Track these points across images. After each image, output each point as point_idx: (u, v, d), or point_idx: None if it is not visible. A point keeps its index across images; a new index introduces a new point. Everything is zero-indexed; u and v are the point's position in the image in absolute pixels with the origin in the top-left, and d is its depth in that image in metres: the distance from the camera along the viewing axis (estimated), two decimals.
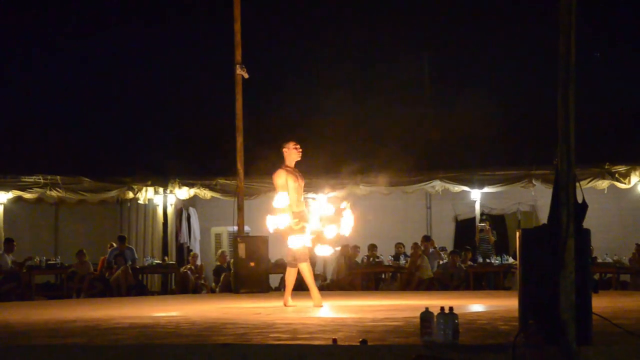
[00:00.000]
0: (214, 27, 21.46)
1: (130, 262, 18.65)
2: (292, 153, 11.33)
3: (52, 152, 20.10)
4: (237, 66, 17.39)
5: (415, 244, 18.86)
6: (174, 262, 19.78)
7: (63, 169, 19.41)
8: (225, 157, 18.24)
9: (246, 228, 17.99)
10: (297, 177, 11.30)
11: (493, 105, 20.44)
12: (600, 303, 8.38)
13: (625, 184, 18.48)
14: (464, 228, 21.40)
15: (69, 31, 24.16)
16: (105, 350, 6.69)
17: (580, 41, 6.36)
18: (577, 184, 6.39)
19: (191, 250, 20.66)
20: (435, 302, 9.19)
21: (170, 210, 20.31)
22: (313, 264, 15.09)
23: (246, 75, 17.37)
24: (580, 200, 6.44)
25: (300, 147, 11.38)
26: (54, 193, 19.27)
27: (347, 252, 18.75)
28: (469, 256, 18.91)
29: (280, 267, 18.85)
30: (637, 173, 18.35)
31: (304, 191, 11.75)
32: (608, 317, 6.84)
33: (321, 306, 11.24)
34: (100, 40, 23.82)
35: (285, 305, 11.42)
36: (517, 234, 6.73)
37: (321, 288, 18.54)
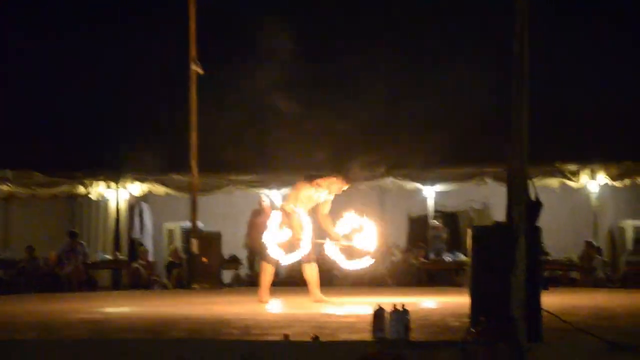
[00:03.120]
0: (169, 22, 21.31)
1: (81, 258, 18.48)
2: (335, 187, 11.20)
3: (2, 146, 19.84)
4: (192, 62, 17.32)
5: None
6: (125, 258, 19.64)
7: (13, 163, 19.18)
8: (179, 152, 18.14)
9: (199, 224, 17.93)
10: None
11: (445, 103, 20.54)
12: (550, 300, 8.46)
13: (575, 182, 18.69)
14: (417, 225, 21.49)
15: (20, 22, 23.86)
16: (56, 345, 6.63)
17: (535, 40, 6.43)
18: (531, 182, 6.45)
19: (142, 245, 20.53)
20: (387, 298, 9.23)
21: (122, 206, 20.17)
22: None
23: (201, 71, 17.31)
24: (534, 199, 6.50)
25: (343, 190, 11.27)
26: (4, 187, 19.05)
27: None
28: (421, 253, 19.01)
29: (233, 262, 18.85)
30: (588, 172, 18.58)
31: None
32: (558, 314, 6.91)
33: (324, 301, 11.20)
34: (52, 32, 23.54)
35: (321, 301, 11.29)
36: (469, 231, 6.78)
37: (275, 284, 18.54)
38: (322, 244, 11.26)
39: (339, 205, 11.57)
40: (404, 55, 23.03)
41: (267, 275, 11.52)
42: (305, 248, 10.98)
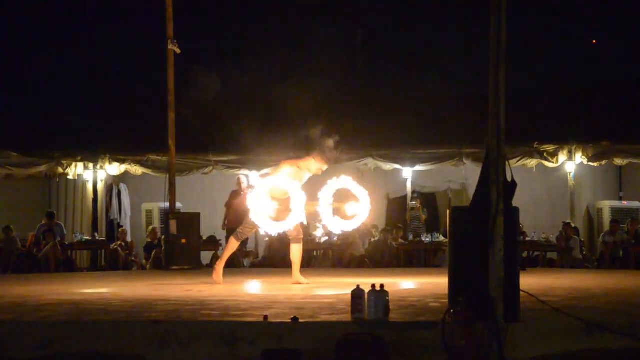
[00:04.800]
0: (146, 1, 21.16)
1: (59, 238, 18.40)
2: (314, 167, 11.19)
3: None
4: (169, 41, 17.21)
5: None
6: (104, 239, 19.57)
7: None
8: (157, 133, 18.06)
9: (178, 204, 17.88)
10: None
11: (424, 84, 20.55)
12: (528, 281, 8.52)
13: (553, 163, 18.77)
14: (396, 206, 21.54)
15: None
16: (34, 326, 6.61)
17: (514, 22, 6.42)
18: (507, 163, 6.47)
19: (121, 226, 20.46)
20: (366, 279, 9.26)
21: (100, 186, 20.06)
22: (245, 241, 15.07)
23: (178, 51, 17.21)
24: (509, 179, 6.53)
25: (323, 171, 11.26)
26: None
27: None
28: (400, 234, 19.05)
29: (211, 243, 18.82)
30: (565, 152, 18.66)
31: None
32: (535, 295, 6.95)
33: (303, 283, 11.23)
34: (30, 12, 23.37)
35: (299, 282, 11.29)
36: (448, 212, 6.80)
37: (253, 265, 18.57)
38: (314, 205, 11.28)
39: (317, 184, 11.57)
40: (382, 38, 23.01)
41: (230, 249, 11.68)
42: (295, 217, 10.96)
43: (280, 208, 11.06)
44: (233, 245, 11.65)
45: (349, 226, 11.65)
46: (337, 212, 11.40)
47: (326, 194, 11.26)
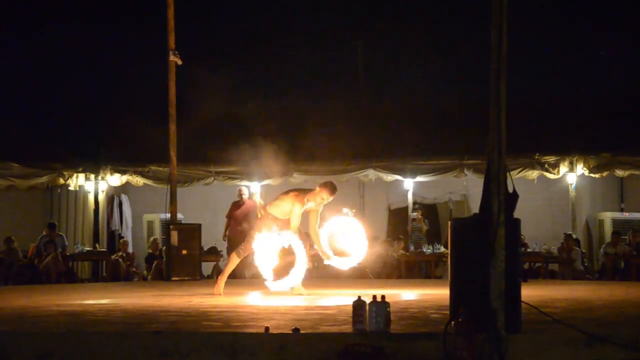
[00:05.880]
0: (147, 14, 21.22)
1: (60, 250, 18.41)
2: (319, 198, 11.19)
3: None
4: (171, 52, 17.24)
5: None
6: (105, 250, 19.58)
7: None
8: (158, 144, 18.08)
9: (179, 216, 17.89)
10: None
11: (425, 95, 20.59)
12: (529, 292, 8.51)
13: (554, 174, 18.76)
14: (397, 217, 21.54)
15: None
16: (34, 337, 6.60)
17: (514, 33, 6.43)
18: (508, 174, 6.47)
19: (122, 237, 20.47)
20: (367, 290, 9.25)
21: (101, 197, 20.08)
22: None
23: (180, 62, 17.24)
24: (511, 190, 6.52)
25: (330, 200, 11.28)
26: None
27: None
28: (401, 245, 19.04)
29: (212, 254, 18.82)
30: (566, 164, 18.65)
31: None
32: (537, 306, 6.94)
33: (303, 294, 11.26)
34: (31, 23, 23.43)
35: (300, 294, 11.29)
36: (449, 223, 6.79)
37: (254, 276, 18.55)
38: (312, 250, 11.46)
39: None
40: (385, 47, 23.07)
41: (231, 265, 11.77)
42: (299, 273, 11.02)
43: (283, 262, 11.18)
44: (234, 261, 11.71)
45: (345, 264, 11.68)
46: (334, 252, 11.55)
47: (324, 233, 11.40)
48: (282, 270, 11.19)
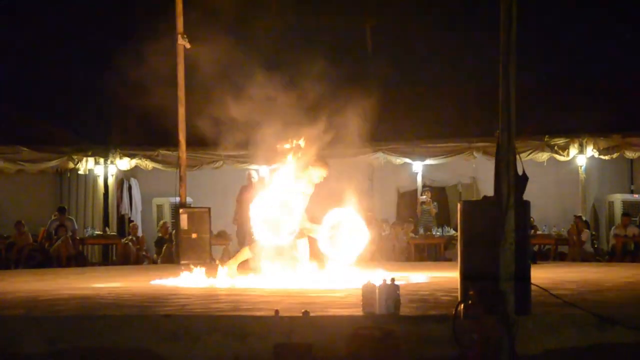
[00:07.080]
0: None
1: (70, 233, 18.46)
2: (314, 175, 11.17)
3: None
4: (179, 36, 17.21)
5: None
6: (115, 233, 19.63)
7: (1, 139, 19.09)
8: (167, 127, 18.06)
9: (188, 199, 17.90)
10: None
11: (435, 78, 20.51)
12: (539, 274, 8.49)
13: (564, 156, 18.72)
14: (406, 200, 21.52)
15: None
16: (45, 321, 6.62)
17: (524, 15, 6.39)
18: (518, 156, 6.45)
19: (132, 221, 20.51)
20: (377, 274, 9.24)
21: (111, 181, 20.12)
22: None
23: (188, 46, 17.20)
24: (520, 172, 6.51)
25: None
26: None
27: None
28: (410, 228, 19.04)
29: (221, 238, 18.83)
30: (576, 146, 18.60)
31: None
32: (546, 288, 6.93)
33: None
34: (40, 5, 23.38)
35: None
36: (458, 205, 6.78)
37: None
38: (311, 231, 11.40)
39: (329, 181, 11.60)
40: (393, 31, 22.96)
41: (242, 255, 11.67)
42: (291, 232, 11.01)
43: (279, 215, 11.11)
44: (246, 255, 11.61)
45: (345, 257, 11.59)
46: (334, 242, 11.44)
47: (326, 223, 11.29)
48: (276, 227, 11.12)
